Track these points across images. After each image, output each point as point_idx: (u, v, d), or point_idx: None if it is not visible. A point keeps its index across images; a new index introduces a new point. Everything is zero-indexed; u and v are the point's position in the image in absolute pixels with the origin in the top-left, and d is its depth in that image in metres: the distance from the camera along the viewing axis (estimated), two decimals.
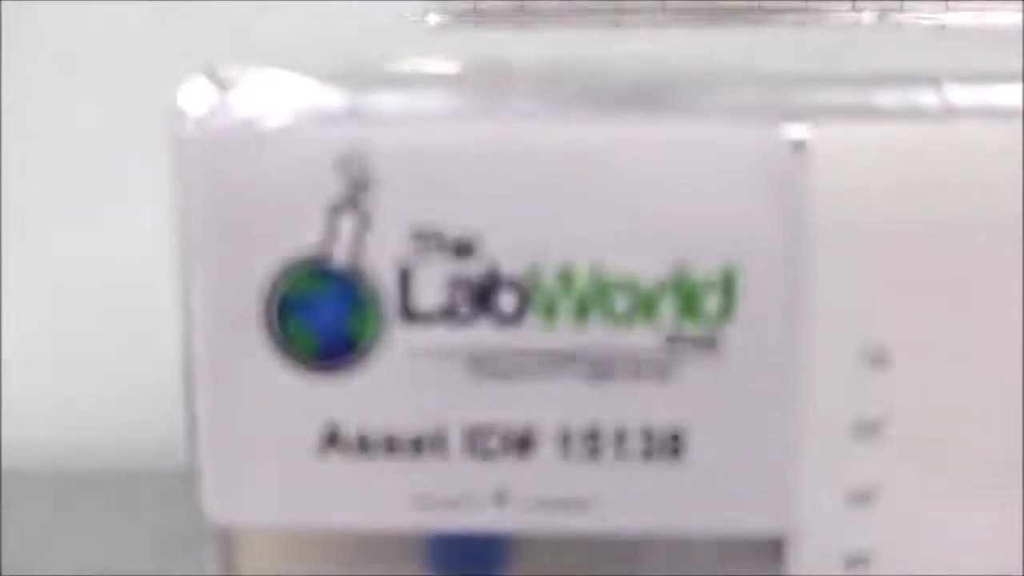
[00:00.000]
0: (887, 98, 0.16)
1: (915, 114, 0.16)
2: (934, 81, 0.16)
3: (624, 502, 0.17)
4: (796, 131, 0.15)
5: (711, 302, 0.16)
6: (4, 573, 0.24)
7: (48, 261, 0.33)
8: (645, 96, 0.16)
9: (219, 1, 0.23)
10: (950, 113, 0.16)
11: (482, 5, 0.20)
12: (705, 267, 0.16)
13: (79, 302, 0.33)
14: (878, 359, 0.16)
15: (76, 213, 0.33)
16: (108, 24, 0.28)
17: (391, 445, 0.17)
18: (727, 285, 0.16)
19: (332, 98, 0.16)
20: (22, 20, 0.28)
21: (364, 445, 0.17)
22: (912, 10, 0.19)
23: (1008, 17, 0.20)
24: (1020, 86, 0.16)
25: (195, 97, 0.16)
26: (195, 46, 0.17)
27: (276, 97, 0.16)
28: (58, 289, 0.33)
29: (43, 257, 0.33)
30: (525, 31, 0.20)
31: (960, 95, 0.16)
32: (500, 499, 0.17)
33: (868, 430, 0.16)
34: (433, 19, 0.20)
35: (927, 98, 0.16)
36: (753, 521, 0.17)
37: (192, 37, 0.19)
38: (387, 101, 0.16)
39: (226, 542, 0.18)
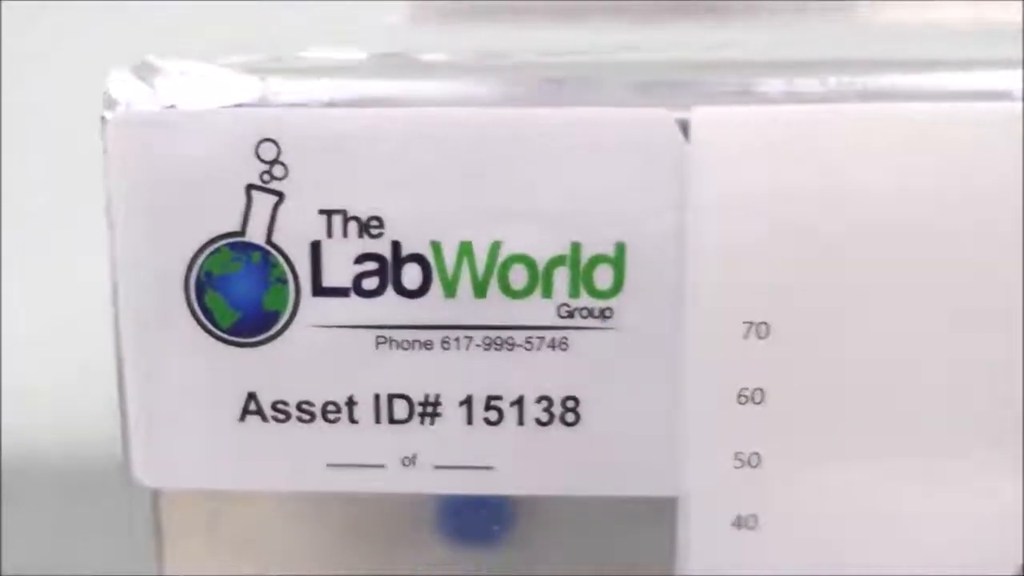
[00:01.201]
0: (769, 83, 0.17)
1: (795, 98, 0.17)
2: (817, 68, 0.17)
3: (525, 466, 0.18)
4: (680, 114, 0.17)
5: (603, 276, 0.17)
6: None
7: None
8: (541, 82, 0.17)
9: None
10: (829, 96, 0.17)
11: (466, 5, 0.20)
12: (597, 243, 0.17)
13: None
14: (759, 331, 0.17)
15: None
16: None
17: (305, 412, 0.18)
18: (618, 260, 0.17)
19: (248, 86, 0.17)
20: None
21: (280, 412, 0.18)
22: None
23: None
24: (901, 75, 0.17)
25: (121, 85, 0.17)
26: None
27: (196, 86, 0.17)
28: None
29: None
30: (483, 26, 0.21)
31: (843, 80, 0.17)
32: (409, 463, 0.18)
33: (752, 398, 0.17)
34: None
35: (808, 84, 0.17)
36: (646, 483, 0.18)
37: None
38: (298, 89, 0.17)
39: (155, 505, 0.19)
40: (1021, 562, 0.19)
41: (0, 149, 0.23)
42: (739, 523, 0.18)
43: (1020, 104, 0.16)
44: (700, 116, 0.17)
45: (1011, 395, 0.17)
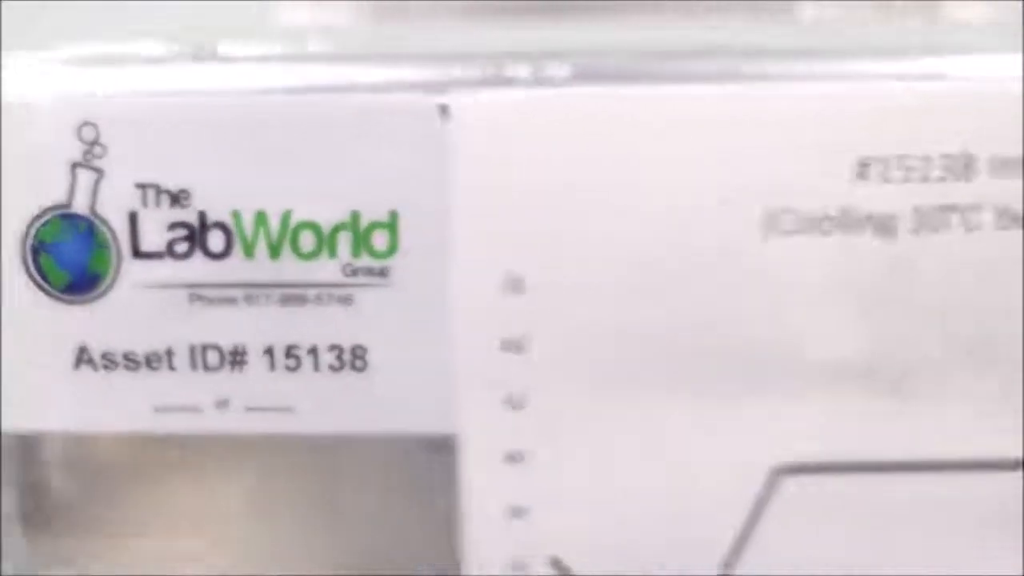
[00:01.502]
0: (518, 71, 0.20)
1: (543, 83, 0.20)
2: (559, 56, 0.20)
3: (321, 408, 0.21)
4: (441, 98, 0.19)
5: (380, 240, 0.20)
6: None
7: None
8: (327, 73, 0.20)
9: None
10: (571, 81, 0.20)
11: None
12: (374, 211, 0.20)
13: None
14: (515, 286, 0.20)
15: None
16: None
17: (131, 362, 0.21)
18: (392, 225, 0.20)
19: (72, 77, 0.20)
20: None
21: (109, 362, 0.21)
22: None
23: None
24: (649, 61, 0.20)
25: None
26: None
27: (27, 76, 0.20)
28: None
29: None
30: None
31: (577, 68, 0.20)
32: (221, 406, 0.21)
33: (514, 346, 0.20)
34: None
35: (555, 70, 0.20)
36: (427, 423, 0.21)
37: None
38: (116, 78, 0.20)
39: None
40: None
41: None
42: (510, 458, 0.21)
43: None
44: (458, 101, 0.19)
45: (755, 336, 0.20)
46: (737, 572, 0.21)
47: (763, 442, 0.20)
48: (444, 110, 0.19)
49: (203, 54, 0.20)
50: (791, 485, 0.20)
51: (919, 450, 0.20)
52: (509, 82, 0.19)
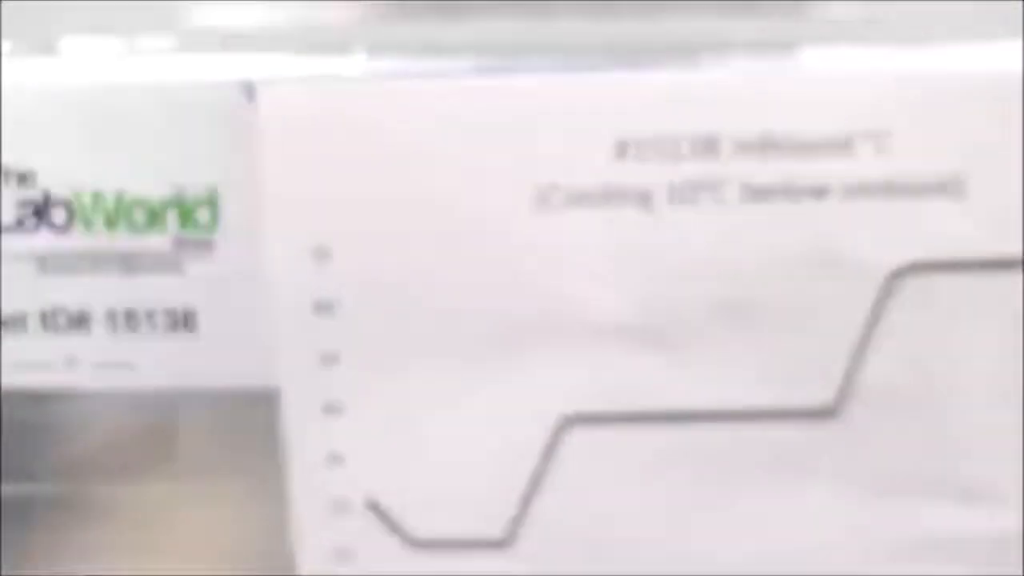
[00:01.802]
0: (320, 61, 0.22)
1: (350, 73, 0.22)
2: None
3: (159, 366, 0.23)
4: (248, 88, 0.22)
5: (203, 215, 0.22)
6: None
7: None
8: (153, 66, 0.23)
9: None
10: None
11: None
12: (196, 189, 0.22)
13: None
14: (324, 254, 0.22)
15: None
16: None
17: None
18: (212, 202, 0.22)
19: None
20: None
21: None
22: None
23: None
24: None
25: None
26: None
27: None
28: None
29: None
30: None
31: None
32: (70, 364, 0.23)
33: (325, 308, 0.23)
34: None
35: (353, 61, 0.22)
36: (251, 378, 0.23)
37: None
38: None
39: None
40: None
41: None
42: (328, 409, 0.23)
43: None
44: (262, 90, 0.22)
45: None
46: (531, 512, 0.23)
47: (549, 395, 0.23)
48: (251, 98, 0.22)
49: (44, 50, 0.22)
50: (576, 433, 0.23)
51: (686, 400, 0.23)
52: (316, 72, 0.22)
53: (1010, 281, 0.22)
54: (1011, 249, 0.22)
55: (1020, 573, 0.24)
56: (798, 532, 0.23)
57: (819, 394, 0.23)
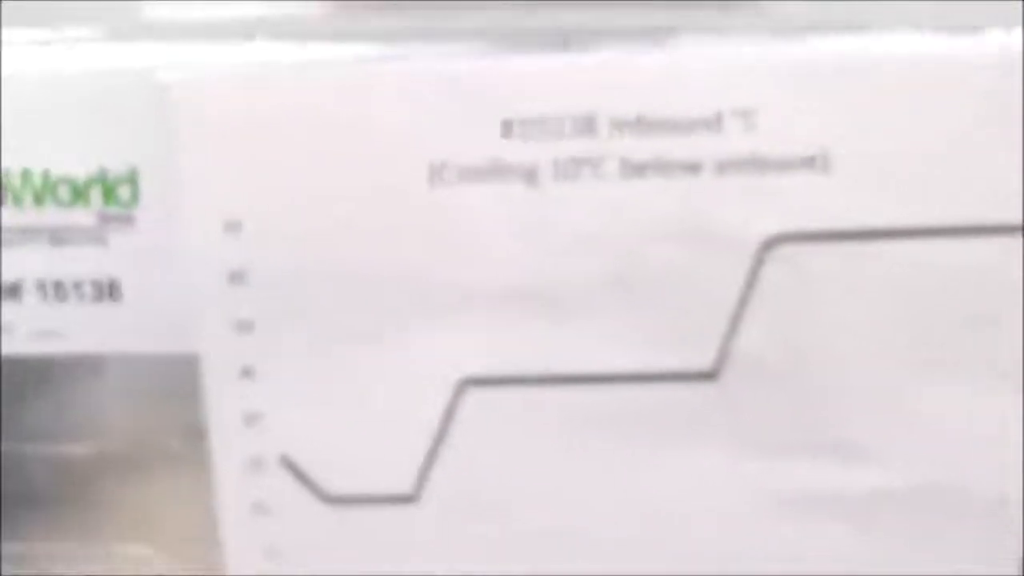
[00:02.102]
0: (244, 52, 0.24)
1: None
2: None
3: (86, 331, 0.25)
4: (163, 75, 0.24)
5: (125, 192, 0.24)
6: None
7: None
8: (78, 56, 0.24)
9: None
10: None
11: None
12: (118, 168, 0.24)
13: None
14: (234, 227, 0.24)
15: None
16: None
17: None
18: (133, 180, 0.24)
19: None
20: None
21: None
22: None
23: None
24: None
25: None
26: None
27: None
28: None
29: None
30: None
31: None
32: (6, 331, 0.25)
33: (238, 278, 0.24)
34: None
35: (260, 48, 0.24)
36: (173, 344, 0.25)
37: None
38: None
39: None
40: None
41: None
42: (244, 373, 0.25)
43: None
44: (175, 78, 0.24)
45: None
46: (435, 468, 0.25)
47: (448, 359, 0.24)
48: (167, 88, 0.23)
49: None
50: (474, 395, 0.25)
51: (577, 364, 0.24)
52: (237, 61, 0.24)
53: (874, 250, 0.23)
54: (875, 220, 0.23)
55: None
56: (684, 488, 0.25)
57: (699, 358, 0.24)
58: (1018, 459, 0.25)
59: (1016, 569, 0.26)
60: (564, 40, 0.23)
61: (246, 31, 0.24)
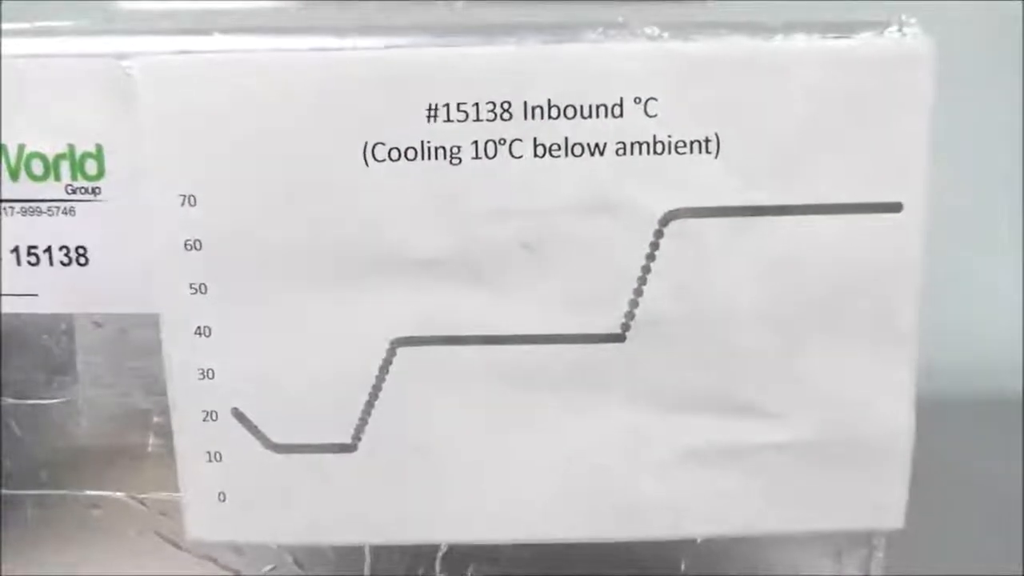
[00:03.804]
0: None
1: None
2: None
3: (57, 293, 0.28)
4: (126, 61, 0.26)
5: (91, 166, 0.27)
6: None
7: None
8: (54, 43, 0.27)
9: None
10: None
11: None
12: (85, 144, 0.27)
13: None
14: (191, 200, 0.27)
15: None
16: None
17: None
18: (99, 155, 0.27)
19: None
20: None
21: None
22: None
23: None
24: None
25: None
26: None
27: None
28: None
29: None
30: None
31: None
32: None
33: (194, 246, 0.27)
34: None
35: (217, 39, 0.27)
36: (132, 303, 0.28)
37: None
38: None
39: None
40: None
41: None
42: (199, 332, 0.28)
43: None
44: (138, 64, 0.26)
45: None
46: (370, 421, 0.28)
47: (381, 321, 0.27)
48: (127, 71, 0.26)
49: None
50: (405, 354, 0.27)
51: (498, 326, 0.27)
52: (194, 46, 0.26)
53: (762, 225, 0.26)
54: (761, 198, 0.26)
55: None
56: (594, 442, 0.28)
57: (608, 322, 0.27)
58: (897, 416, 0.27)
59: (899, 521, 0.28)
60: (486, 33, 0.26)
61: (206, 24, 0.27)
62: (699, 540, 0.29)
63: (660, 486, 0.28)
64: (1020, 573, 0.27)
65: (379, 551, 0.29)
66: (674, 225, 0.26)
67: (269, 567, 0.29)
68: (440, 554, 0.29)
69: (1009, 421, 0.42)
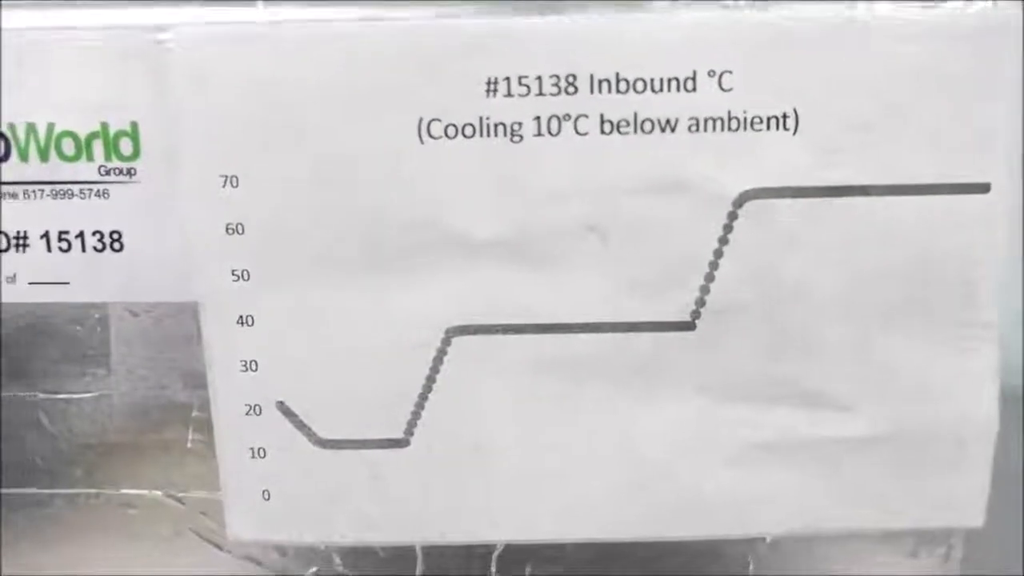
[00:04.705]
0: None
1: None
2: None
3: (90, 281, 0.26)
4: (165, 35, 0.25)
5: (126, 146, 0.25)
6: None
7: None
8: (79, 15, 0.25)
9: None
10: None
11: None
12: (119, 123, 0.25)
13: None
14: (232, 182, 0.25)
15: None
16: None
17: None
18: (134, 134, 0.25)
19: None
20: None
21: None
22: None
23: None
24: None
25: None
26: None
27: None
28: None
29: None
30: None
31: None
32: (11, 280, 0.26)
33: (235, 230, 0.26)
34: None
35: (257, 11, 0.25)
36: (173, 293, 0.26)
37: None
38: None
39: None
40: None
41: None
42: (241, 321, 0.26)
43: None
44: (174, 36, 0.25)
45: None
46: (424, 414, 0.26)
47: (436, 308, 0.26)
48: (164, 44, 0.24)
49: None
50: (461, 343, 0.26)
51: (558, 313, 0.26)
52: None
53: (842, 205, 0.24)
54: (841, 177, 0.24)
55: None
56: (660, 434, 0.26)
57: (677, 308, 0.25)
58: (979, 407, 0.26)
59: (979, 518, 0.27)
60: (550, 2, 0.24)
61: None
62: (768, 539, 0.27)
63: (728, 482, 0.26)
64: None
65: (431, 551, 0.27)
66: (749, 206, 0.24)
67: (313, 569, 0.28)
68: (496, 554, 0.27)
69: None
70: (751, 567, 0.27)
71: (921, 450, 0.26)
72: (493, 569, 0.28)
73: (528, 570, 0.28)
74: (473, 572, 0.28)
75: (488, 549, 0.27)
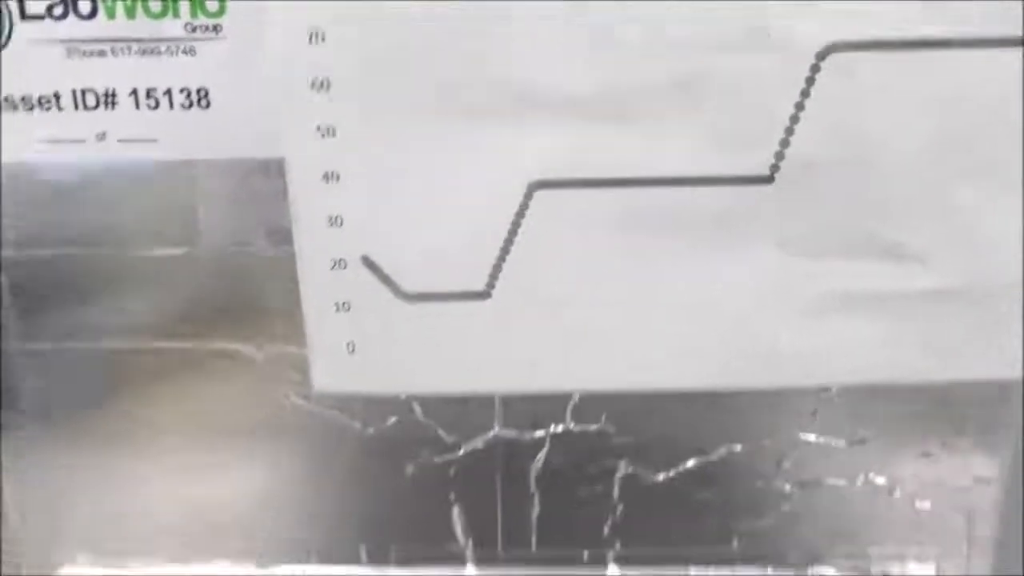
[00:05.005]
0: None
1: None
2: None
3: (178, 138, 0.27)
4: None
5: (212, 2, 0.25)
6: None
7: None
8: None
9: None
10: None
11: None
12: None
13: None
14: (319, 36, 0.25)
15: None
16: None
17: (26, 103, 0.26)
18: None
19: None
20: None
21: (8, 103, 0.26)
22: None
23: None
24: None
25: None
26: None
27: None
28: None
29: None
30: None
31: None
32: (100, 138, 0.27)
33: (320, 85, 0.26)
34: None
35: None
36: (260, 150, 0.26)
37: None
38: None
39: None
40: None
41: None
42: (327, 177, 0.27)
43: None
44: None
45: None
46: (505, 266, 0.27)
47: (520, 162, 0.26)
48: None
49: None
50: (543, 197, 0.26)
51: (640, 167, 0.26)
52: None
53: (921, 59, 0.25)
54: (924, 31, 0.24)
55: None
56: (738, 285, 0.27)
57: (757, 162, 0.26)
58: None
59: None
60: None
61: None
62: (834, 389, 0.28)
63: (800, 333, 0.27)
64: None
65: (509, 400, 0.28)
66: (831, 59, 0.24)
67: (394, 418, 0.29)
68: (571, 404, 0.28)
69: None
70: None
71: (988, 304, 0.27)
72: (567, 418, 0.29)
73: (603, 418, 0.29)
74: (549, 423, 0.29)
75: (564, 399, 0.28)
